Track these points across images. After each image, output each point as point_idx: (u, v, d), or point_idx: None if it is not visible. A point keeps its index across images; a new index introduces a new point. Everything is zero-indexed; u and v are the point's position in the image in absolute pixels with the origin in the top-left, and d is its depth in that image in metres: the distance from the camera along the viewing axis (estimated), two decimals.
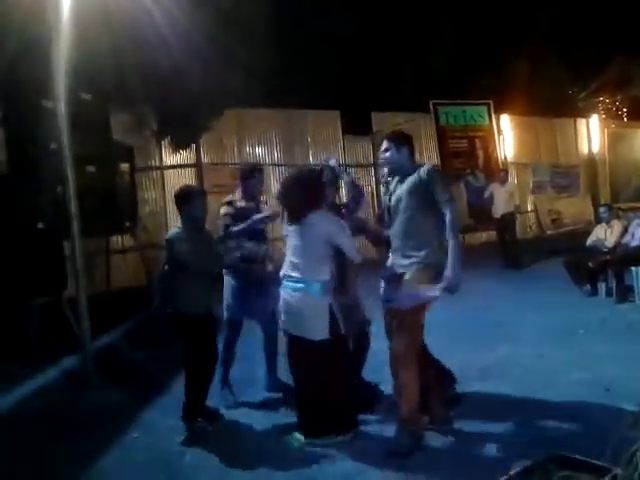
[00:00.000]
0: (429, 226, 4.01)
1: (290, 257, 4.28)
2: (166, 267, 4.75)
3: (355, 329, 4.64)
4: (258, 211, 5.18)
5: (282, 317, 4.35)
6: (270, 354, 5.29)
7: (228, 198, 5.27)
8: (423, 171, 4.05)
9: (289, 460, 4.04)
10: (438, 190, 3.96)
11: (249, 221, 5.03)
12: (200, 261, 4.52)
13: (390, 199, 4.22)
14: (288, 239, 4.34)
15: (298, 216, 4.21)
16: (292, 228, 4.27)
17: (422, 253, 3.97)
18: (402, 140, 4.27)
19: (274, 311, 4.98)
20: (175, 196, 4.76)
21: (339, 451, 4.06)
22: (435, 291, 3.90)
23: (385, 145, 4.27)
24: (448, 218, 3.89)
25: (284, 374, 4.99)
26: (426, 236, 4.00)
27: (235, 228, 5.05)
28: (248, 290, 5.08)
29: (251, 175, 5.26)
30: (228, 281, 5.17)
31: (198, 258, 4.51)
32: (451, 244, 3.87)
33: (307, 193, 4.23)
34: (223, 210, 5.18)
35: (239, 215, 5.10)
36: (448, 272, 3.81)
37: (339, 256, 4.32)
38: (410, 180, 4.08)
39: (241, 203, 5.19)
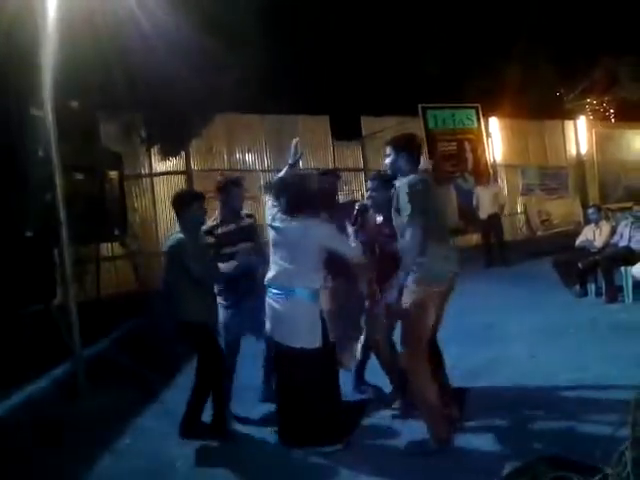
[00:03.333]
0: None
1: (280, 261, 4.20)
2: (168, 277, 4.61)
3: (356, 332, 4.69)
4: (238, 233, 4.94)
5: (268, 324, 4.28)
6: (269, 364, 5.18)
7: (207, 225, 4.93)
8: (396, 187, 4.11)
9: (278, 469, 4.04)
10: (402, 206, 3.99)
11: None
12: (208, 266, 4.50)
13: None
14: (277, 239, 4.25)
15: (296, 209, 4.16)
16: (283, 226, 4.20)
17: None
18: (400, 146, 4.24)
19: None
20: (172, 201, 4.71)
21: (333, 457, 4.05)
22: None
23: (387, 151, 4.27)
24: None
25: None
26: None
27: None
28: (242, 306, 4.84)
29: (229, 189, 5.01)
30: (219, 301, 4.91)
31: (207, 263, 4.49)
32: None
33: (311, 194, 4.25)
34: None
35: (220, 242, 4.89)
36: None
37: (340, 260, 4.33)
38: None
39: (222, 228, 4.94)
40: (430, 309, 4.03)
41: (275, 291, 4.20)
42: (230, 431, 4.55)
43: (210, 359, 4.49)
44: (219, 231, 4.94)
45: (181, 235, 4.50)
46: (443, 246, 4.12)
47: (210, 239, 4.89)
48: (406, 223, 3.93)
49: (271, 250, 4.31)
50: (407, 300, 3.95)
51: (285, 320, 4.16)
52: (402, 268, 3.95)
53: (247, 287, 4.80)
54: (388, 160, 4.25)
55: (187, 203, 4.58)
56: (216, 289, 4.91)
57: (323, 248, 4.16)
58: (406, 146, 4.23)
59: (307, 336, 4.11)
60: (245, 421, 4.83)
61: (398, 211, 4.06)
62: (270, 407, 4.91)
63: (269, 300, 4.24)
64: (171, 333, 4.74)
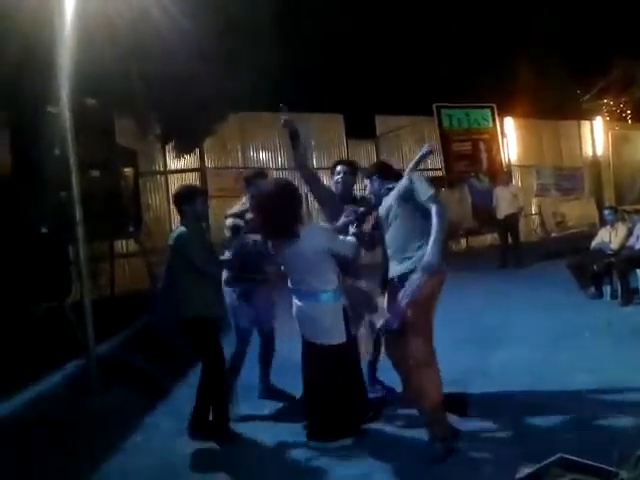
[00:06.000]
0: (419, 228, 4.01)
1: (294, 275, 4.26)
2: (173, 271, 4.60)
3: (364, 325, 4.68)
4: None
5: (298, 326, 4.34)
6: (265, 361, 5.24)
7: (236, 209, 5.08)
8: (406, 179, 4.13)
9: (293, 465, 4.04)
10: (420, 191, 3.98)
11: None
12: (212, 261, 4.52)
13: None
14: (285, 263, 4.29)
15: (289, 235, 4.13)
16: (286, 251, 4.20)
17: (419, 253, 3.95)
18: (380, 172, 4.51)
19: (272, 317, 5.09)
20: (175, 196, 4.72)
21: (346, 454, 4.05)
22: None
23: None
24: (434, 213, 3.90)
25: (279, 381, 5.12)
26: (418, 237, 4.01)
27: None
28: (251, 297, 4.94)
29: (256, 182, 5.08)
30: (229, 292, 4.95)
31: (210, 258, 4.51)
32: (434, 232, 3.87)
33: (292, 209, 4.17)
34: (231, 222, 4.97)
35: (249, 223, 4.89)
36: (427, 257, 3.81)
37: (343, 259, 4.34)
38: (396, 189, 4.19)
39: (250, 214, 4.93)
40: (437, 297, 4.04)
41: (299, 294, 4.26)
42: (232, 432, 4.49)
43: (213, 356, 4.48)
44: (248, 216, 4.94)
45: (183, 228, 4.52)
46: None
47: (240, 222, 4.93)
48: (429, 204, 3.92)
49: (284, 262, 4.33)
50: (419, 290, 3.89)
51: (311, 320, 4.23)
52: (434, 247, 3.85)
53: (255, 277, 4.92)
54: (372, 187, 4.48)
55: (190, 199, 4.60)
56: (229, 276, 4.93)
57: (327, 251, 4.17)
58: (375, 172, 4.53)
59: (332, 333, 4.17)
60: (251, 419, 4.84)
61: (404, 200, 4.07)
62: (274, 405, 5.01)
63: (295, 303, 4.30)
64: (171, 330, 4.75)
